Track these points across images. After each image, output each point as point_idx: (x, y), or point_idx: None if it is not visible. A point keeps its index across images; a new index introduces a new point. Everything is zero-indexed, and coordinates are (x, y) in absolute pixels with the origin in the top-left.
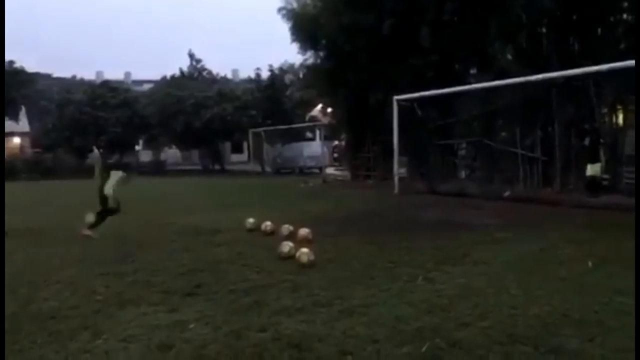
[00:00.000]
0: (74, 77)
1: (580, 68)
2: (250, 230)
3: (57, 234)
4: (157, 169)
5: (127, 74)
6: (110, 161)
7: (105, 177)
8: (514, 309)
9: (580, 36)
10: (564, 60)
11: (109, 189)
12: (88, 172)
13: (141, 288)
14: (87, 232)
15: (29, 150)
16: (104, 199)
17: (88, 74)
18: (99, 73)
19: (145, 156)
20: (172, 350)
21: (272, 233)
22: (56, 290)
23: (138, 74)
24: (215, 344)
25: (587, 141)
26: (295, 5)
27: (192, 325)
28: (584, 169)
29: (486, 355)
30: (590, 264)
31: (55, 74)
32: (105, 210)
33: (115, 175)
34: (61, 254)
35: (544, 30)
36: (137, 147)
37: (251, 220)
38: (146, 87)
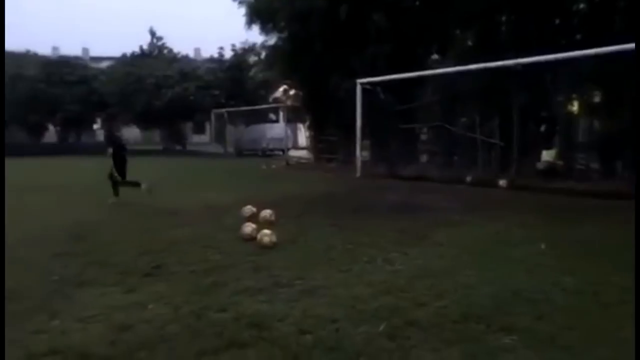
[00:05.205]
0: (27, 51)
1: (537, 56)
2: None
3: (10, 214)
4: None
5: (85, 50)
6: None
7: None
8: (469, 289)
9: (538, 24)
10: (522, 48)
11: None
12: (43, 151)
13: (98, 268)
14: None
15: None
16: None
17: (43, 49)
18: (54, 48)
19: (104, 135)
20: (131, 330)
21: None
22: (10, 271)
23: (96, 51)
24: (174, 324)
25: (543, 128)
26: None
27: (151, 306)
28: (539, 155)
29: (441, 334)
30: (543, 246)
31: (7, 48)
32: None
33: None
34: (15, 234)
35: (503, 18)
36: (95, 126)
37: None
38: (105, 64)
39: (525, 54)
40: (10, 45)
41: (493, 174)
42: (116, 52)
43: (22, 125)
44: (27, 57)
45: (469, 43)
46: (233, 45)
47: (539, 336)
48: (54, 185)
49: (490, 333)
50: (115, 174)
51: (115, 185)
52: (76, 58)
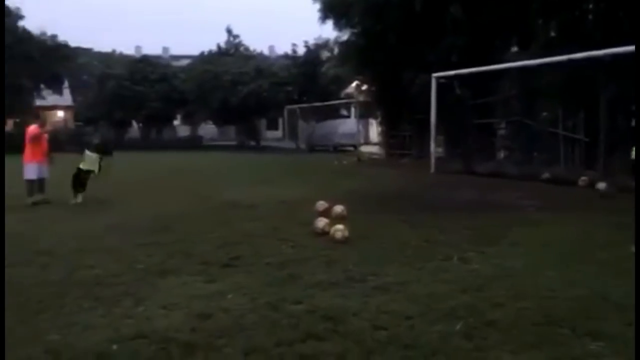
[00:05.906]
0: (113, 51)
1: (629, 46)
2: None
3: (98, 204)
4: (194, 144)
5: (165, 49)
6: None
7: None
8: (551, 290)
9: (629, 12)
10: (611, 37)
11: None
12: (127, 146)
13: (180, 258)
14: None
15: (72, 124)
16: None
17: (127, 49)
18: (137, 48)
19: (183, 131)
20: (211, 318)
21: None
22: (100, 259)
23: (176, 49)
24: (252, 314)
25: (633, 123)
26: None
27: (230, 296)
28: (629, 152)
29: (521, 336)
30: (632, 249)
31: (96, 49)
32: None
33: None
34: (103, 224)
35: (590, 6)
36: (175, 122)
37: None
38: (184, 62)
39: (614, 43)
40: (98, 46)
41: (576, 172)
42: (195, 51)
43: (108, 122)
44: (114, 57)
45: (552, 34)
46: (306, 42)
47: (629, 344)
48: (137, 179)
49: (575, 338)
50: (87, 176)
51: (83, 185)
52: (157, 57)
